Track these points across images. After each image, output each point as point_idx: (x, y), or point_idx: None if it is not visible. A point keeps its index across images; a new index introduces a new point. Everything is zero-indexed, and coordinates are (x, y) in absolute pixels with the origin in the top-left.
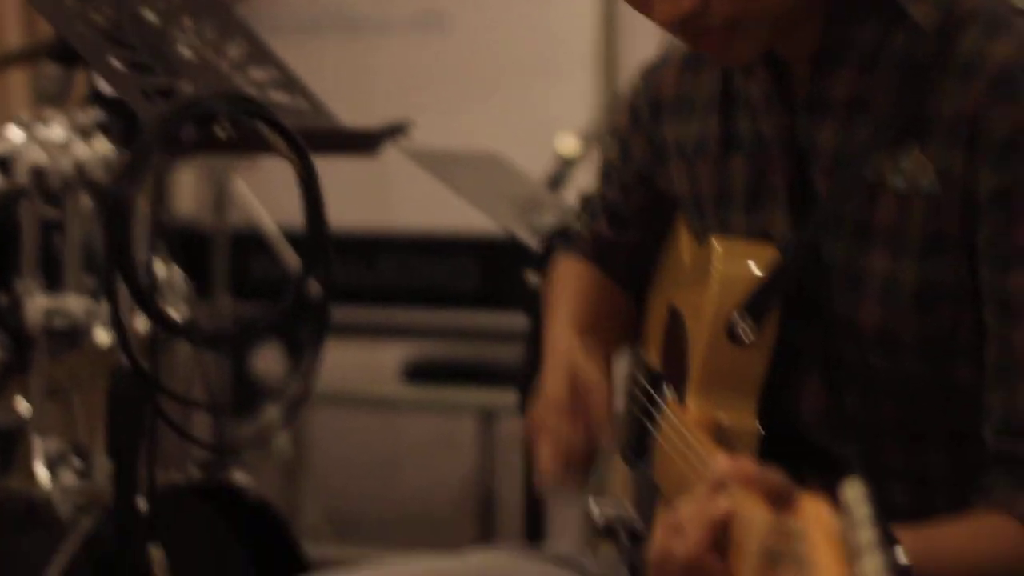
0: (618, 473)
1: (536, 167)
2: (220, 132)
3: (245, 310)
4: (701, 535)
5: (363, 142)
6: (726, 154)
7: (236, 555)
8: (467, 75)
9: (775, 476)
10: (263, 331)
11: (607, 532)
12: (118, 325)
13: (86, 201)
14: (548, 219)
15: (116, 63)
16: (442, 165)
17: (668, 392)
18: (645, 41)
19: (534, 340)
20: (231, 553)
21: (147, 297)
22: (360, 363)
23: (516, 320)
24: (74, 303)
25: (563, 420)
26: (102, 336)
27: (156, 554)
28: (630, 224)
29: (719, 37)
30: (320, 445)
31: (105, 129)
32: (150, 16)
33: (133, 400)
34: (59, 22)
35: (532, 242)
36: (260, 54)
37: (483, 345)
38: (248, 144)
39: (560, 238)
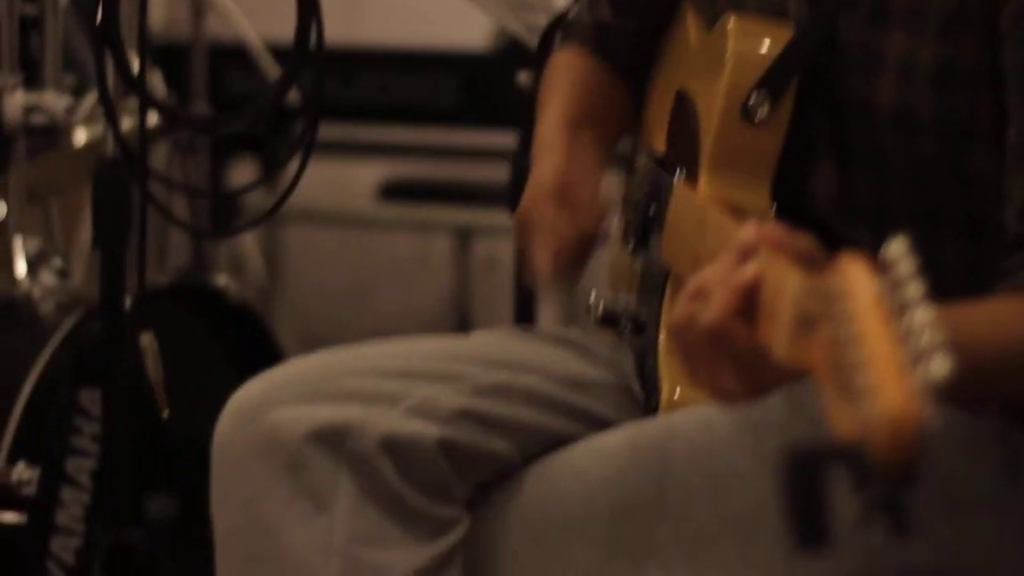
0: (614, 267)
1: None
2: None
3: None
4: (728, 300)
5: None
6: None
7: (216, 354)
8: None
9: (806, 240)
10: (250, 121)
11: (607, 321)
12: (107, 103)
13: None
14: (540, 19)
15: None
16: None
17: (678, 174)
18: None
19: (525, 145)
20: (211, 352)
21: (137, 76)
22: (335, 181)
23: (496, 138)
24: (53, 99)
25: (554, 210)
26: (80, 136)
27: (148, 341)
28: (633, 9)
29: None
30: (294, 267)
31: None
32: None
33: (120, 187)
34: None
35: (529, 38)
36: None
37: (462, 165)
38: None
39: (557, 28)
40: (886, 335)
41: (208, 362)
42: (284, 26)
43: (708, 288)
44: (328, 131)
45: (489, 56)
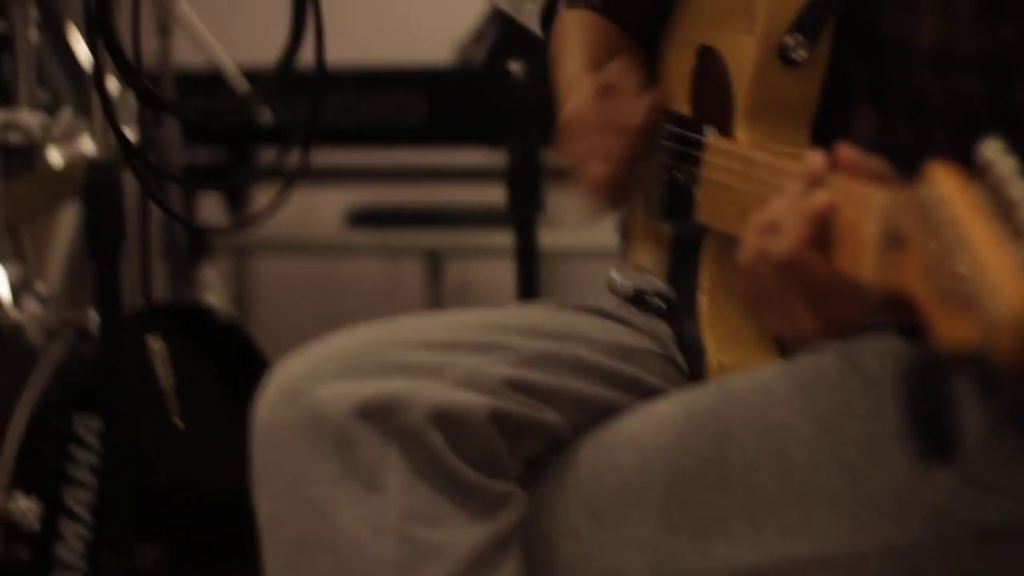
0: (636, 244)
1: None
2: None
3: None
4: (801, 229)
5: None
6: None
7: (205, 372)
8: None
9: (879, 162)
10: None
11: (636, 300)
12: (101, 91)
13: (34, 12)
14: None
15: None
16: None
17: (708, 131)
18: None
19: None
20: (200, 370)
21: (132, 68)
22: (300, 208)
23: (466, 157)
24: (28, 117)
25: (597, 132)
26: (55, 157)
27: (157, 346)
28: None
29: None
30: (262, 297)
31: None
32: None
33: (113, 191)
34: None
35: (532, 23)
36: None
37: (431, 186)
38: None
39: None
40: (995, 235)
41: (199, 383)
42: (248, 50)
43: (778, 220)
44: (292, 156)
45: (455, 71)
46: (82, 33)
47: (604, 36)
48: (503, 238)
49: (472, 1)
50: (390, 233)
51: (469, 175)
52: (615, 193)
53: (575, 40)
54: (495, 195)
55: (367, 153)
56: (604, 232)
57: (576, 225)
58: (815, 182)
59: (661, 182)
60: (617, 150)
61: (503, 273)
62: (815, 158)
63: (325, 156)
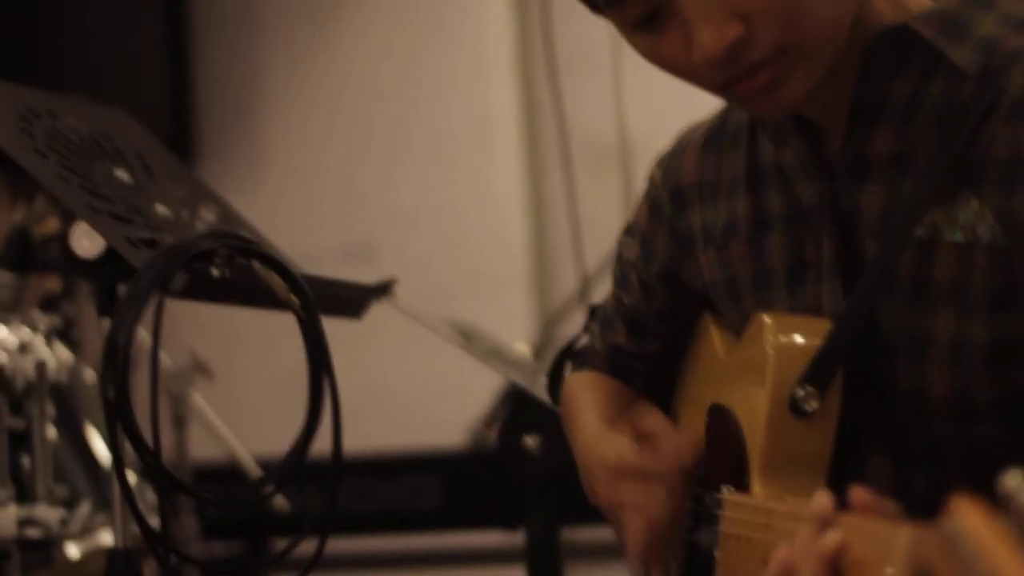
0: None
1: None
2: (216, 271)
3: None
4: (816, 572)
5: (350, 304)
6: (759, 233)
7: None
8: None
9: (893, 503)
10: (280, 486)
11: None
12: (122, 480)
13: (50, 408)
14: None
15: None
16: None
17: (724, 491)
18: (573, 259)
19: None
20: None
21: (153, 454)
22: None
23: (482, 539)
24: (45, 511)
25: (637, 485)
26: (73, 551)
27: None
28: (650, 331)
29: (768, 74)
30: None
31: (62, 334)
32: (123, 176)
33: None
34: (43, 176)
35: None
36: (231, 219)
37: (448, 570)
38: (244, 292)
39: (564, 360)
40: (1021, 564)
41: None
42: (265, 440)
43: (792, 563)
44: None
45: (469, 455)
46: (99, 426)
47: (615, 392)
48: None
49: (483, 385)
50: None
51: (486, 557)
52: (655, 550)
53: (588, 401)
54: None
55: (382, 539)
56: None
57: None
58: (825, 523)
59: (681, 546)
60: (659, 498)
61: None
62: (822, 498)
63: (341, 543)
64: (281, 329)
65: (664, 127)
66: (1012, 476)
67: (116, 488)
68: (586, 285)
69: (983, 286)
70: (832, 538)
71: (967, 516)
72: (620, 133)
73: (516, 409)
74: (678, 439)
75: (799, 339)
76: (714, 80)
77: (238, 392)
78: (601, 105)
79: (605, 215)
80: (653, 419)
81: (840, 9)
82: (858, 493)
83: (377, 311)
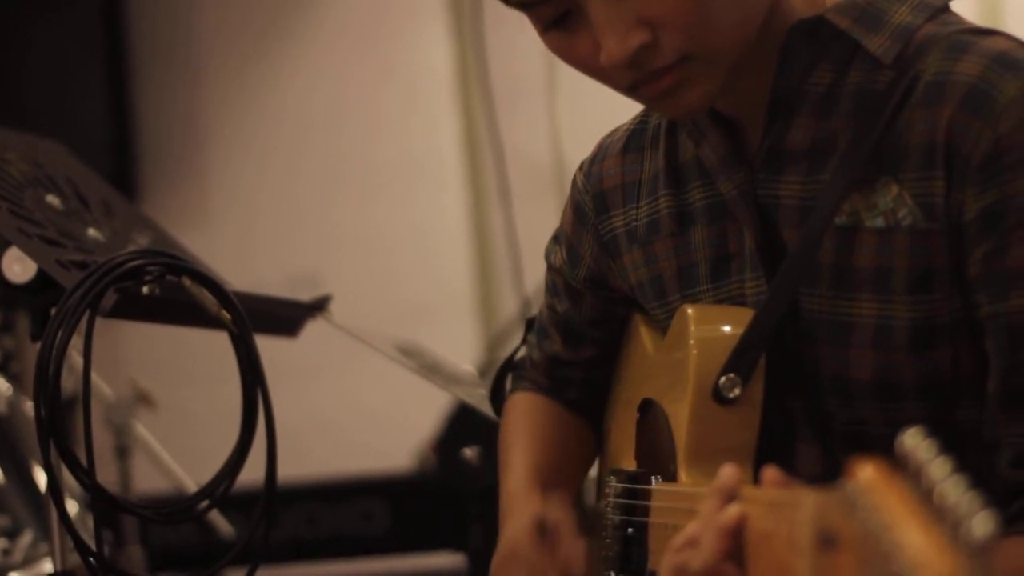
0: None
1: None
2: (146, 289)
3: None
4: (716, 544)
5: (285, 321)
6: (682, 229)
7: None
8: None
9: (793, 479)
10: (214, 502)
11: None
12: (57, 500)
13: None
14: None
15: (30, 235)
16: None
17: (654, 481)
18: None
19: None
20: None
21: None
22: None
23: (429, 561)
24: None
25: (536, 567)
26: None
27: None
28: (584, 337)
29: (671, 78)
30: None
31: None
32: (55, 201)
33: None
34: None
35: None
36: (165, 242)
37: None
38: (176, 310)
39: (506, 372)
40: (918, 518)
41: None
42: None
43: (695, 536)
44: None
45: (417, 478)
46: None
47: (550, 429)
48: None
49: (429, 409)
50: None
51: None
52: None
53: (521, 445)
54: None
55: (335, 564)
56: None
57: None
58: (728, 496)
59: (616, 539)
60: None
61: None
62: (727, 472)
63: (292, 570)
64: (225, 359)
65: None
66: (910, 436)
67: (54, 512)
68: (527, 306)
69: (904, 270)
70: (733, 510)
71: (866, 475)
72: (556, 158)
73: (455, 423)
74: (575, 548)
75: (721, 328)
76: (621, 81)
77: (182, 423)
78: (537, 132)
79: (543, 238)
80: (563, 514)
81: (746, 12)
82: (769, 472)
83: (322, 341)
